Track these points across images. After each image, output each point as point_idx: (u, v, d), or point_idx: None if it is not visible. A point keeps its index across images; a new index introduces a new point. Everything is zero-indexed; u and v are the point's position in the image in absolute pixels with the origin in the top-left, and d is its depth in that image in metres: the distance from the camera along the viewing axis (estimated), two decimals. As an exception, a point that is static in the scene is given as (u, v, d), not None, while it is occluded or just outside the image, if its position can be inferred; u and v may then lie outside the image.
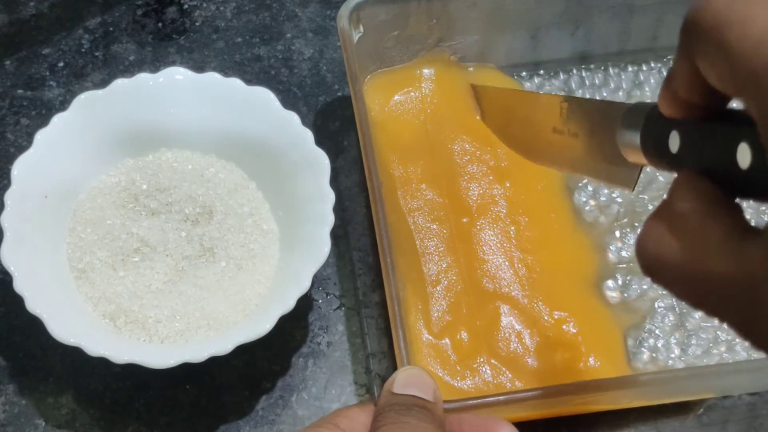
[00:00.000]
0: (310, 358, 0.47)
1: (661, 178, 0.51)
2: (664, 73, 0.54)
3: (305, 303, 0.48)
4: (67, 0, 0.58)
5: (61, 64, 0.56)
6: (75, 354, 0.41)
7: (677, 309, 0.47)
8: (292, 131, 0.48)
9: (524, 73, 0.55)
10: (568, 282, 0.47)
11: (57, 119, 0.47)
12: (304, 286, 0.43)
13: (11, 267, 0.42)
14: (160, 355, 0.41)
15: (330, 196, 0.45)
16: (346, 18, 0.49)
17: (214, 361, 0.41)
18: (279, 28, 0.58)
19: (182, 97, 0.49)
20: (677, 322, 0.47)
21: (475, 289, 0.46)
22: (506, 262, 0.47)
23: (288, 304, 0.42)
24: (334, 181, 0.48)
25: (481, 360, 0.45)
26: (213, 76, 0.49)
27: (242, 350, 0.42)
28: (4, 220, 0.44)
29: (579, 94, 0.54)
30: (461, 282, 0.47)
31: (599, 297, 0.47)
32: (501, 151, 0.51)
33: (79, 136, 0.47)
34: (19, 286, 0.42)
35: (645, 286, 0.48)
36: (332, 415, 0.34)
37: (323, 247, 0.44)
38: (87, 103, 0.48)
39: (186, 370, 0.41)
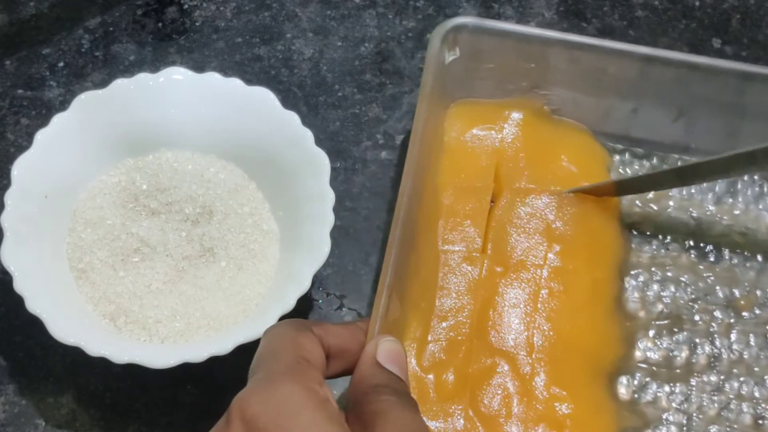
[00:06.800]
0: (310, 358, 0.47)
1: (720, 294, 0.48)
2: (766, 190, 0.51)
3: (305, 303, 0.48)
4: (67, 0, 0.58)
5: (61, 64, 0.56)
6: (75, 354, 0.41)
7: (685, 428, 0.44)
8: (292, 131, 0.48)
9: (618, 146, 0.52)
10: (580, 363, 0.45)
11: (57, 119, 0.47)
12: (304, 286, 0.43)
13: (11, 267, 0.42)
14: (160, 355, 0.41)
15: (330, 196, 0.45)
16: (439, 37, 0.47)
17: (214, 361, 0.41)
18: (279, 28, 0.58)
19: (182, 97, 0.49)
20: None
21: (480, 338, 0.44)
22: (522, 324, 0.45)
23: (288, 304, 0.42)
24: (335, 181, 0.48)
25: (459, 408, 0.43)
26: (213, 76, 0.49)
27: (242, 350, 0.41)
28: (4, 220, 0.44)
29: None
30: (469, 326, 0.45)
31: (608, 389, 0.45)
32: (567, 215, 0.48)
33: (79, 136, 0.47)
34: (19, 286, 0.42)
35: (661, 394, 0.45)
36: (318, 326, 0.35)
37: (323, 247, 0.44)
38: (87, 103, 0.48)
39: (186, 370, 0.41)
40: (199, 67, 0.54)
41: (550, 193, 0.49)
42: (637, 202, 0.50)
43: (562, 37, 0.49)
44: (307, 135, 0.47)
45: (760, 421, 0.45)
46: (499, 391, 0.43)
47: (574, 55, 0.49)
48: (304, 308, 0.48)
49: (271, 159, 0.48)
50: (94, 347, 0.41)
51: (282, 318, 0.42)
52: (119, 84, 0.48)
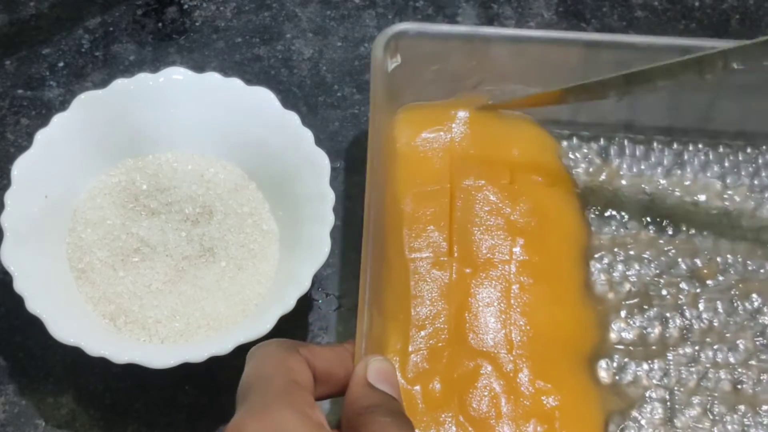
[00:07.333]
0: (310, 358, 0.47)
1: (683, 265, 0.49)
2: (711, 157, 0.52)
3: (305, 303, 0.48)
4: (67, 0, 0.58)
5: (61, 64, 0.56)
6: (75, 354, 0.41)
7: (669, 403, 0.45)
8: (292, 131, 0.48)
9: (565, 132, 0.52)
10: (559, 353, 0.45)
11: (57, 119, 0.47)
12: (304, 286, 0.43)
13: (11, 267, 0.42)
14: (160, 355, 0.41)
15: (330, 196, 0.45)
16: (381, 46, 0.48)
17: (214, 361, 0.41)
18: (279, 28, 0.58)
19: (182, 97, 0.49)
20: (666, 417, 0.44)
21: (460, 342, 0.44)
22: (498, 323, 0.45)
23: (288, 304, 0.42)
24: (335, 181, 0.48)
25: (449, 415, 0.42)
26: (213, 76, 0.49)
27: (242, 350, 0.41)
28: (4, 220, 0.44)
29: (616, 163, 0.52)
30: (447, 332, 0.45)
31: (589, 375, 0.45)
32: (523, 207, 0.49)
33: (79, 136, 0.47)
34: (19, 286, 0.42)
35: (640, 373, 0.45)
36: (305, 348, 0.35)
37: (323, 247, 0.44)
38: (87, 103, 0.48)
39: (186, 370, 0.41)
40: (199, 67, 0.54)
41: (502, 187, 0.49)
42: (591, 185, 0.51)
43: (499, 33, 0.50)
44: (307, 135, 0.47)
45: (739, 386, 0.45)
46: (486, 393, 0.43)
47: (514, 49, 0.50)
48: (304, 308, 0.48)
49: (271, 159, 0.48)
50: (94, 347, 0.41)
51: (282, 318, 0.42)
52: (119, 84, 0.48)
